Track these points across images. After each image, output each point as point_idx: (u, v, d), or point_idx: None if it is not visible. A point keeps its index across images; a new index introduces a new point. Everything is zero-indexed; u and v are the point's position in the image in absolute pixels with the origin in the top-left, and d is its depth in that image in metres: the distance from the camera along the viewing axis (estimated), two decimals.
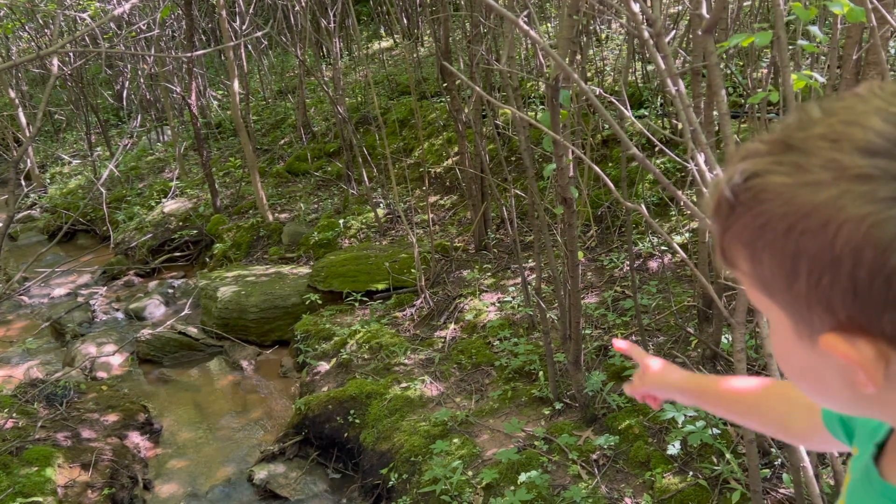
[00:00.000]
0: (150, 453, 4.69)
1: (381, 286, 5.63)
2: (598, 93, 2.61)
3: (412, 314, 5.25)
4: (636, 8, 1.89)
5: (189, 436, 4.87)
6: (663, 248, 5.26)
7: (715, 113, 3.28)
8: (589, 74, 7.00)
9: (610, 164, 6.01)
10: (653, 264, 5.16)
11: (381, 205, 6.92)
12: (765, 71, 5.84)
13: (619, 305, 4.77)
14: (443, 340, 4.85)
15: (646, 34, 1.87)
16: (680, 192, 1.92)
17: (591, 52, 7.21)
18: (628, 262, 5.11)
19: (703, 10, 2.01)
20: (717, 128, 4.30)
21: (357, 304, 5.53)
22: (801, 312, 0.51)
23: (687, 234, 5.17)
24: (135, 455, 4.55)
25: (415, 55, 9.10)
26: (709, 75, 2.01)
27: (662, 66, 1.87)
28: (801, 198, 0.47)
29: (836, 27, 2.40)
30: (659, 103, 6.38)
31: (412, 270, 5.55)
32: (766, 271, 0.51)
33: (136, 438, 4.70)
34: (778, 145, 0.50)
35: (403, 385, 4.41)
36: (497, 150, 6.11)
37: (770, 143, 0.51)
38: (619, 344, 1.18)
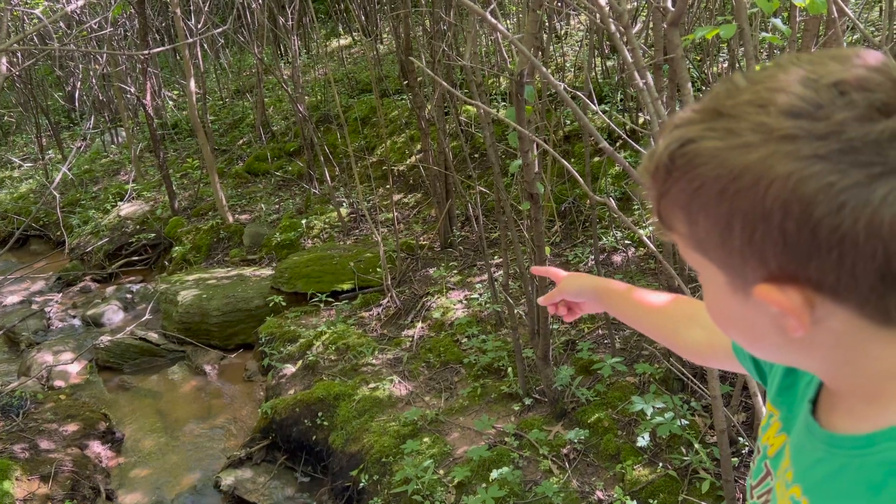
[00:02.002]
0: (112, 463, 4.57)
1: (346, 286, 5.57)
2: (563, 87, 2.61)
3: (379, 314, 5.20)
4: (603, 1, 1.89)
5: (152, 444, 4.75)
6: (627, 241, 5.30)
7: (679, 107, 3.32)
8: (550, 70, 7.02)
9: (573, 160, 6.04)
10: (617, 258, 5.20)
11: (344, 204, 6.85)
12: (724, 66, 5.93)
13: None
14: (410, 339, 4.82)
15: (612, 27, 1.87)
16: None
17: (551, 48, 7.23)
18: (593, 257, 5.14)
19: (669, 3, 2.01)
20: None
21: (322, 305, 5.46)
22: (735, 266, 0.55)
23: (650, 228, 5.22)
24: (96, 465, 4.42)
25: (374, 53, 9.04)
26: (674, 68, 2.02)
27: (630, 59, 1.87)
28: (733, 160, 0.51)
29: (795, 19, 2.43)
30: (619, 99, 6.43)
31: (377, 269, 5.50)
32: (701, 231, 0.55)
33: (97, 448, 4.57)
34: (709, 113, 0.53)
35: (372, 385, 4.37)
36: (461, 147, 6.10)
37: (701, 112, 0.54)
38: (536, 268, 1.30)
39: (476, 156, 6.64)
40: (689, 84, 1.98)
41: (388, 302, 5.23)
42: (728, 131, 0.51)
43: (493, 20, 1.75)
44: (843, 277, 0.50)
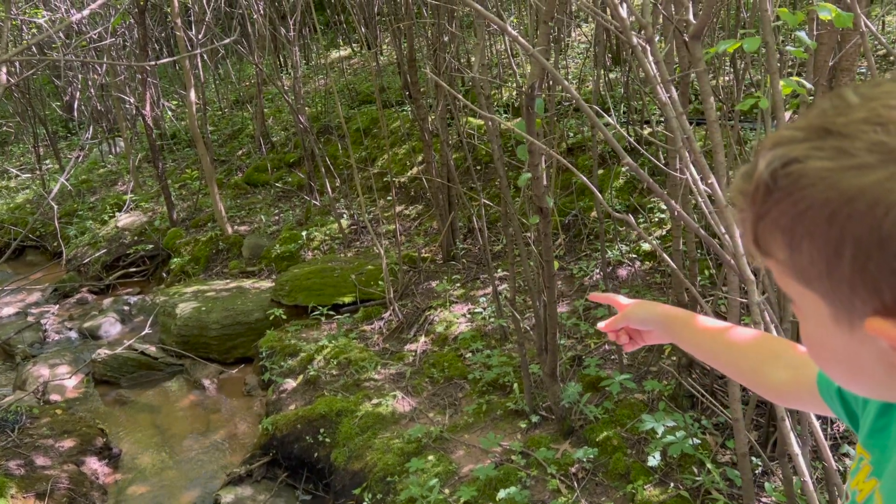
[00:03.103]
0: (109, 479, 4.47)
1: (347, 299, 5.50)
2: (577, 100, 2.56)
3: (381, 327, 5.13)
4: (624, 13, 1.84)
5: (150, 460, 4.66)
6: (632, 255, 5.25)
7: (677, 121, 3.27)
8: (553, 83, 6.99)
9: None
10: (623, 272, 5.14)
11: (345, 216, 6.79)
12: (727, 78, 5.90)
13: (591, 314, 4.73)
14: (413, 354, 4.75)
15: (634, 41, 1.82)
16: (672, 202, 1.87)
17: (553, 60, 7.20)
18: (599, 271, 5.09)
19: (690, 16, 1.96)
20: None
21: (323, 319, 5.39)
22: (842, 297, 0.51)
23: (655, 241, 5.17)
24: (93, 482, 4.33)
25: (375, 64, 9.00)
26: (699, 81, 1.97)
27: (654, 72, 1.82)
28: (846, 182, 0.47)
29: (813, 33, 2.39)
30: (623, 111, 6.40)
31: (379, 282, 5.43)
32: (804, 258, 0.51)
33: (93, 464, 4.47)
34: (815, 131, 0.50)
35: (374, 401, 4.29)
36: (465, 159, 6.05)
37: (806, 129, 0.51)
38: (595, 295, 1.22)
39: (479, 168, 6.59)
40: (712, 98, 1.93)
41: (390, 315, 5.16)
42: (840, 151, 0.48)
43: (513, 31, 1.70)
44: None
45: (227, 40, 5.78)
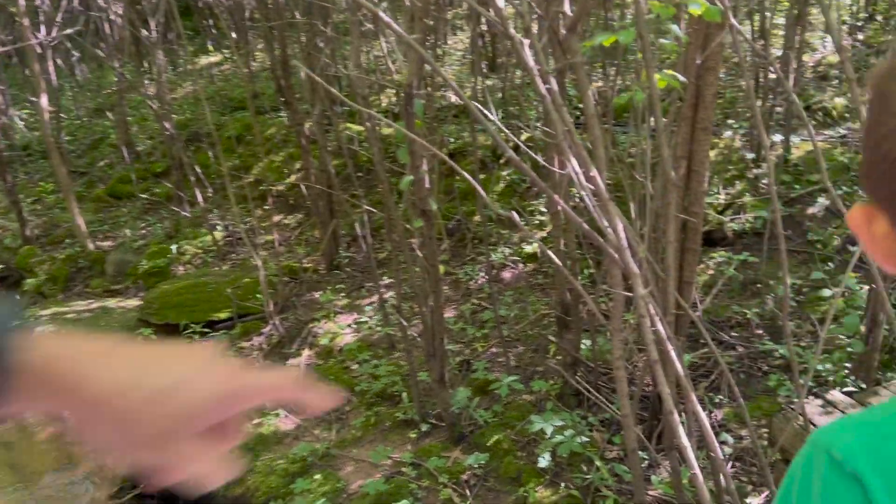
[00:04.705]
0: None
1: (223, 315, 5.20)
2: (457, 92, 2.51)
3: (261, 343, 4.88)
4: (501, 2, 1.78)
5: (6, 501, 4.19)
6: (515, 258, 5.28)
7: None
8: (431, 89, 6.97)
9: (457, 178, 5.98)
10: (506, 275, 5.16)
11: (219, 227, 6.45)
12: (599, 84, 6.09)
13: (478, 318, 4.71)
14: (297, 369, 4.54)
15: (512, 32, 1.76)
16: (556, 195, 1.83)
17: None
18: (483, 274, 5.08)
19: (566, 8, 1.94)
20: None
21: (197, 337, 5.06)
22: None
23: (535, 244, 5.23)
24: None
25: (247, 70, 8.66)
26: (576, 73, 1.94)
27: (532, 63, 1.77)
28: None
29: (682, 29, 2.44)
30: (501, 116, 6.46)
31: (258, 295, 5.17)
32: None
33: None
34: None
35: (255, 421, 4.06)
36: (345, 165, 5.89)
37: None
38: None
39: (360, 174, 6.44)
40: (590, 91, 1.91)
41: (270, 330, 4.92)
42: None
43: (387, 18, 1.60)
44: None
45: (68, 31, 5.32)
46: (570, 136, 1.76)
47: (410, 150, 2.92)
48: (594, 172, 1.73)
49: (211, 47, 11.85)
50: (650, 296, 1.81)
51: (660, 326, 1.81)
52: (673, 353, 1.82)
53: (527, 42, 1.80)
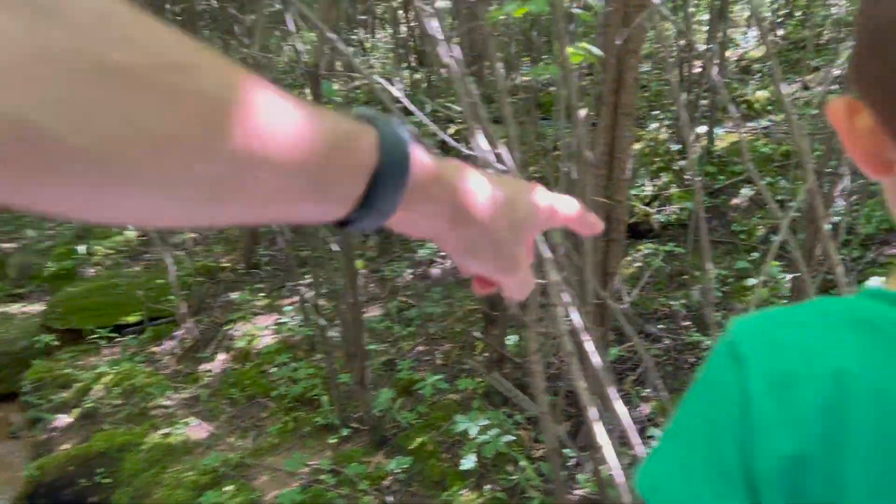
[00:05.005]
0: None
1: (133, 318, 4.88)
2: (365, 75, 2.33)
3: (173, 347, 4.59)
4: None
5: None
6: (443, 253, 5.14)
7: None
8: (357, 84, 6.78)
9: None
10: (435, 271, 5.01)
11: (133, 226, 6.10)
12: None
13: (404, 316, 4.54)
14: (211, 374, 4.28)
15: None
16: None
17: (357, 60, 6.98)
18: (410, 271, 4.92)
19: None
20: None
21: (104, 342, 4.73)
22: None
23: None
24: None
25: None
26: (485, 45, 1.79)
27: (435, 30, 1.61)
28: None
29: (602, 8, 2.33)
30: (428, 110, 6.31)
31: (171, 297, 4.88)
32: None
33: None
34: None
35: (164, 431, 3.79)
36: None
37: None
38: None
39: None
40: (500, 64, 1.77)
41: (183, 333, 4.63)
42: None
43: None
44: None
45: None
46: (474, 108, 1.61)
47: None
48: (501, 149, 1.58)
49: None
50: (564, 283, 1.67)
51: (576, 316, 1.68)
52: (589, 345, 1.69)
53: (429, 7, 1.64)
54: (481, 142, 1.64)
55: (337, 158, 0.41)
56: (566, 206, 0.57)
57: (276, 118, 0.37)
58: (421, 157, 0.46)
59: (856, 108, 0.50)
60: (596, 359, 1.70)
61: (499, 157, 1.58)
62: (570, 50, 1.79)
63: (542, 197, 0.55)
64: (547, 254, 1.58)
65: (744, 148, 2.13)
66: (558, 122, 2.94)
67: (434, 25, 1.58)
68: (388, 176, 0.43)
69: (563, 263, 1.78)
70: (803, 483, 0.48)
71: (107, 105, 0.30)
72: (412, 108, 1.82)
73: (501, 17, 1.78)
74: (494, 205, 0.51)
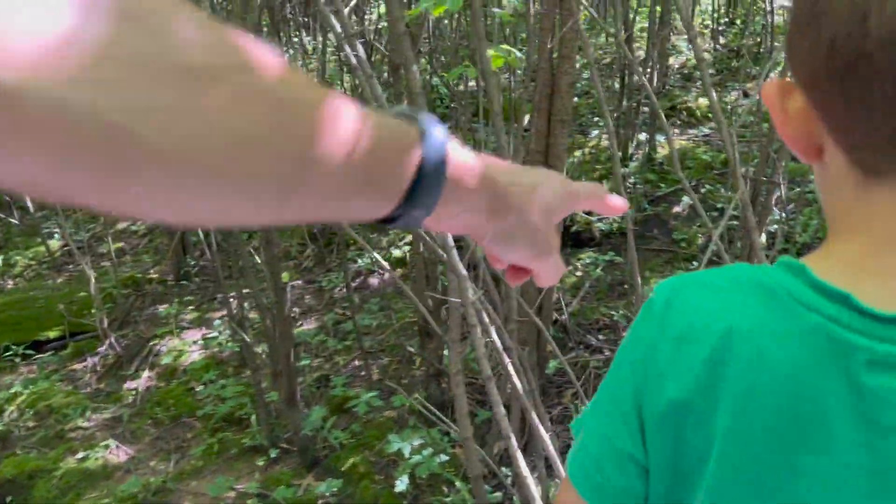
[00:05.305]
0: None
1: (53, 334, 4.61)
2: None
3: (95, 364, 4.34)
4: None
5: None
6: (383, 263, 4.99)
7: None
8: None
9: None
10: (374, 281, 4.86)
11: (56, 235, 5.78)
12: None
13: (341, 328, 4.38)
14: (134, 393, 4.05)
15: None
16: None
17: (298, 63, 6.79)
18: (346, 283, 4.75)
19: None
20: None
21: (20, 360, 4.44)
22: None
23: (406, 248, 4.96)
24: None
25: None
26: (398, 46, 1.67)
27: (339, 28, 1.48)
28: None
29: (530, 11, 2.24)
30: None
31: (94, 311, 4.62)
32: None
33: None
34: None
35: (80, 455, 3.56)
36: None
37: None
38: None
39: None
40: (416, 66, 1.64)
41: (106, 349, 4.38)
42: None
43: None
44: None
45: None
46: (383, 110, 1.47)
47: None
48: None
49: None
50: (483, 301, 1.55)
51: (495, 337, 1.56)
52: (511, 368, 1.57)
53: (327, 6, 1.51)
54: None
55: (386, 155, 0.43)
56: (589, 191, 0.60)
57: (335, 117, 0.39)
58: (457, 152, 0.48)
59: (788, 90, 0.51)
60: (516, 381, 1.59)
61: None
62: (491, 52, 1.68)
63: (566, 182, 0.59)
64: (460, 271, 1.46)
65: (674, 157, 2.06)
66: (489, 126, 2.83)
67: (336, 24, 1.44)
68: (430, 170, 0.45)
69: (485, 281, 1.67)
70: (684, 427, 0.53)
71: (188, 106, 0.31)
72: None
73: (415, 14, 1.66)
74: (527, 193, 0.54)
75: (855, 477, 0.48)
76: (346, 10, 1.65)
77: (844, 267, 0.51)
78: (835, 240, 0.54)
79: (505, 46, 1.67)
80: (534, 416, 1.56)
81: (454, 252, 1.49)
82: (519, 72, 4.28)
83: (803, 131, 0.51)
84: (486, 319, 1.56)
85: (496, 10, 1.81)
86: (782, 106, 0.51)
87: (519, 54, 1.68)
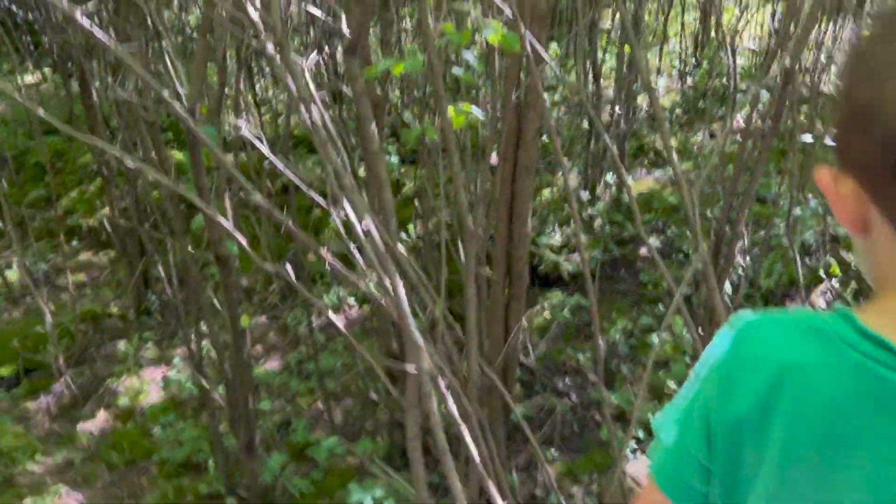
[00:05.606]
0: None
1: (6, 371, 4.46)
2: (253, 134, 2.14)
3: (49, 404, 4.19)
4: (255, 16, 1.45)
5: None
6: (351, 300, 4.93)
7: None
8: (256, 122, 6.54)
9: (295, 213, 5.56)
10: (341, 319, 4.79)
11: (14, 267, 5.63)
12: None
13: (305, 368, 4.29)
14: (89, 435, 3.91)
15: (269, 47, 1.43)
16: (327, 253, 1.51)
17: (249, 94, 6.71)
18: (312, 318, 4.68)
19: (344, 27, 1.64)
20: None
21: None
22: None
23: (372, 285, 4.91)
24: None
25: (63, 91, 7.83)
26: (357, 105, 1.64)
27: (293, 88, 1.45)
28: None
29: (495, 62, 2.23)
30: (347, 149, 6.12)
31: (50, 347, 4.48)
32: None
33: None
34: None
35: (28, 501, 3.41)
36: (161, 198, 5.31)
37: None
38: None
39: (186, 207, 5.85)
40: (373, 125, 1.62)
41: (62, 388, 4.24)
42: None
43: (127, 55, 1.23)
44: None
45: None
46: (339, 175, 1.44)
47: (197, 185, 2.51)
48: (367, 220, 1.42)
49: (31, 66, 10.74)
50: (440, 369, 1.51)
51: (452, 406, 1.52)
52: (468, 437, 1.53)
53: (295, 62, 1.48)
54: (350, 212, 1.48)
55: None
56: None
57: None
58: None
59: (839, 176, 0.60)
60: (472, 450, 1.54)
61: (366, 233, 1.42)
62: (451, 111, 1.66)
63: None
64: (416, 339, 1.42)
65: (633, 206, 2.05)
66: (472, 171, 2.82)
67: (291, 82, 1.41)
68: None
69: (448, 347, 1.63)
70: (742, 439, 0.64)
71: None
72: (278, 163, 1.65)
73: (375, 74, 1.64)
74: None
75: (888, 488, 0.57)
76: (307, 65, 1.63)
77: (889, 318, 0.60)
78: (882, 297, 0.63)
79: (466, 106, 1.65)
80: (491, 487, 1.52)
81: (410, 319, 1.45)
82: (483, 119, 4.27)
83: (856, 211, 0.59)
84: (443, 386, 1.52)
85: (456, 69, 1.79)
86: (836, 190, 0.60)
87: (480, 114, 1.66)
